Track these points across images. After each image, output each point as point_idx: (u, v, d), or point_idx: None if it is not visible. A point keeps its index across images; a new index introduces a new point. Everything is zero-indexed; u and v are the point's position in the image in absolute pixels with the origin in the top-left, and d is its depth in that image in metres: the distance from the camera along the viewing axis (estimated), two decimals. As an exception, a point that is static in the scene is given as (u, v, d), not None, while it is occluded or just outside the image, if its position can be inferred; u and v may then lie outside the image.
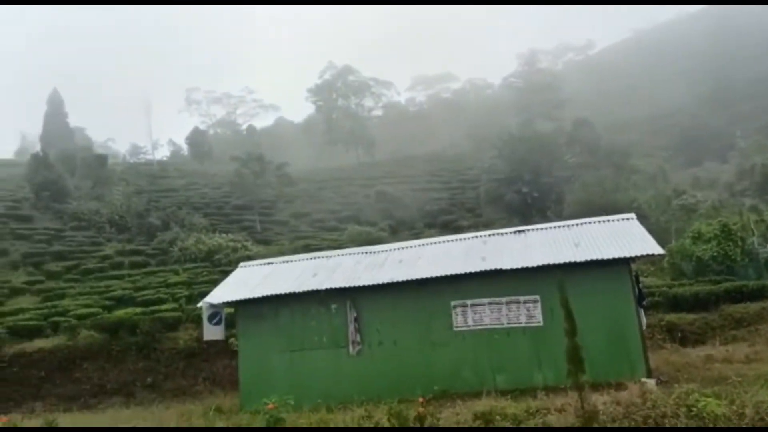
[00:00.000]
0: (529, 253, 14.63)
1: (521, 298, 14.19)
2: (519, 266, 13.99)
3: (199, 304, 15.93)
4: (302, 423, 9.62)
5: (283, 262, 17.70)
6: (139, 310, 25.55)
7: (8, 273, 35.54)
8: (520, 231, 16.47)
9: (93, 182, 53.05)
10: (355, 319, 14.88)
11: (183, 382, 22.32)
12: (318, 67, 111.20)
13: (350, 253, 17.23)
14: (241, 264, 18.55)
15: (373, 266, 15.81)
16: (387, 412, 9.48)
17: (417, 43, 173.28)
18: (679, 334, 19.36)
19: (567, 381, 9.10)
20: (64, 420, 9.23)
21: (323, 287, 14.99)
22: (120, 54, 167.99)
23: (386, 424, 9.26)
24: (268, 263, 17.94)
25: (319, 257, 17.38)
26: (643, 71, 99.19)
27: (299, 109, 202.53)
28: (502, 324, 14.23)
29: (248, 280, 16.42)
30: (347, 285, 14.91)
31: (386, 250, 16.81)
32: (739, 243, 25.31)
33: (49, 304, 29.00)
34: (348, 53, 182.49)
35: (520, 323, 14.13)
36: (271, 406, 9.00)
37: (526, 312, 14.16)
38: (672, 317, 20.34)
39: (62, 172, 52.68)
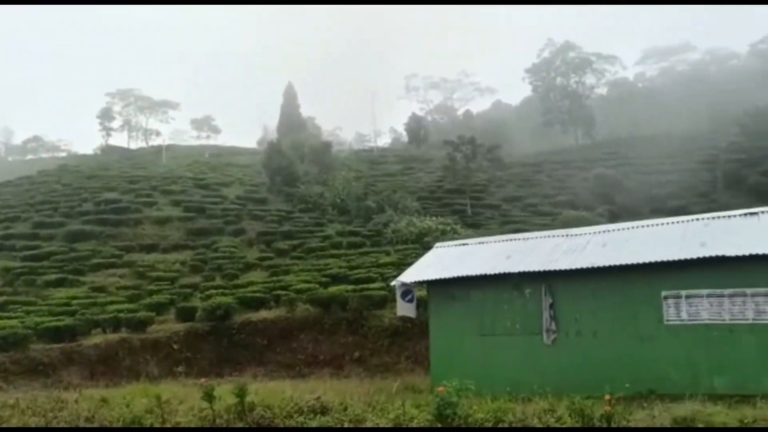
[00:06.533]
0: (762, 239, 12.45)
1: (748, 291, 12.16)
2: (748, 253, 12.00)
3: (392, 283, 16.09)
4: (476, 410, 9.08)
5: (478, 243, 17.17)
6: (350, 287, 26.71)
7: (245, 249, 39.64)
8: (752, 213, 14.11)
9: (319, 168, 57.03)
10: (551, 306, 13.91)
11: (387, 358, 22.94)
12: (538, 46, 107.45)
13: (548, 236, 16.13)
14: (437, 244, 18.39)
15: (572, 250, 14.64)
16: (568, 407, 8.60)
17: (649, 11, 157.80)
18: None
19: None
20: (254, 388, 9.74)
21: (517, 270, 14.22)
22: (347, 46, 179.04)
23: (567, 421, 8.39)
24: (463, 244, 17.53)
25: (515, 239, 16.56)
26: None
27: (517, 91, 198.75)
28: (724, 320, 12.38)
29: (442, 261, 16.18)
30: (543, 269, 13.95)
31: (589, 233, 15.46)
32: None
33: (275, 278, 31.62)
34: (571, 26, 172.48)
35: (747, 319, 12.13)
36: (441, 389, 8.60)
37: (754, 307, 12.13)
38: None
39: (293, 158, 57.36)
